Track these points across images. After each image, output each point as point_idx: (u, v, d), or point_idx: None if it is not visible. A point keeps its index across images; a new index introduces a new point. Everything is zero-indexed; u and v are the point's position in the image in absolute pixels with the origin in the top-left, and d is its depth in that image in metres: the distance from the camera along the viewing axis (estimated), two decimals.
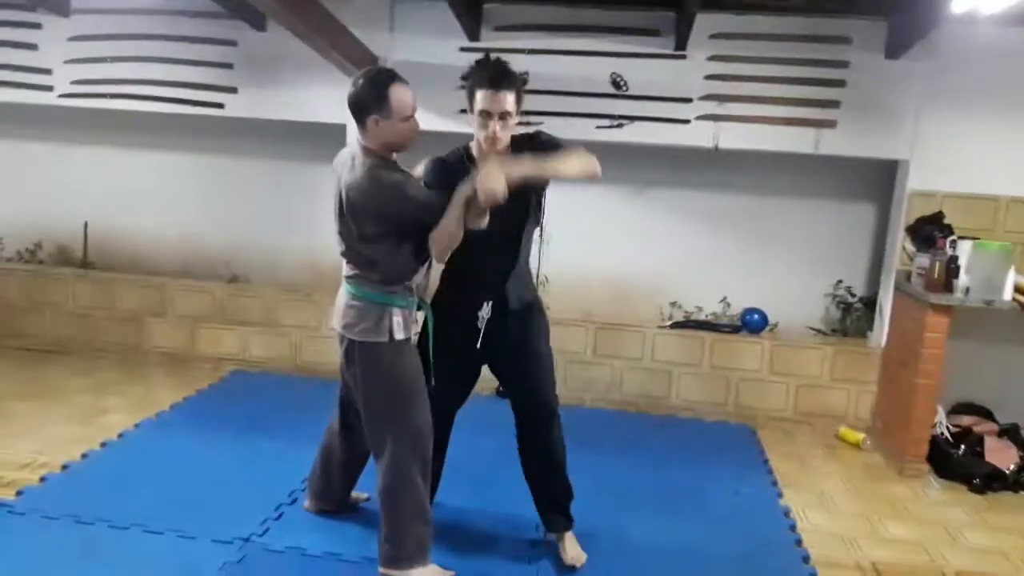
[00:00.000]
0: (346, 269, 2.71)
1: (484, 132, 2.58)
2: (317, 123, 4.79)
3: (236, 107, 4.86)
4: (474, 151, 2.72)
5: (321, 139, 4.90)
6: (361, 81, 2.55)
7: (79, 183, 5.50)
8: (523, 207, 2.74)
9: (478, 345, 2.79)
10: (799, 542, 3.21)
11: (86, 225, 5.49)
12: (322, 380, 4.70)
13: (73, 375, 4.70)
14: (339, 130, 4.67)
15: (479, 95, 2.56)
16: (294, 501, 3.21)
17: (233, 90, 4.85)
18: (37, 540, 2.82)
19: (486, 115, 2.56)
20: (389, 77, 2.56)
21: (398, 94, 2.53)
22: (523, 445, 2.93)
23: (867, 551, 3.21)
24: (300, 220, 5.25)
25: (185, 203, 5.44)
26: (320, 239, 5.19)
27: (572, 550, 2.91)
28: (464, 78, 2.64)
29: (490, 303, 2.78)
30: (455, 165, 2.64)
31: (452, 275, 2.83)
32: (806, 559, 3.07)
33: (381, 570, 2.67)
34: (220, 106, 4.88)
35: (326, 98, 4.68)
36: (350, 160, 2.59)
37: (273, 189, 5.32)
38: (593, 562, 2.89)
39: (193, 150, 5.38)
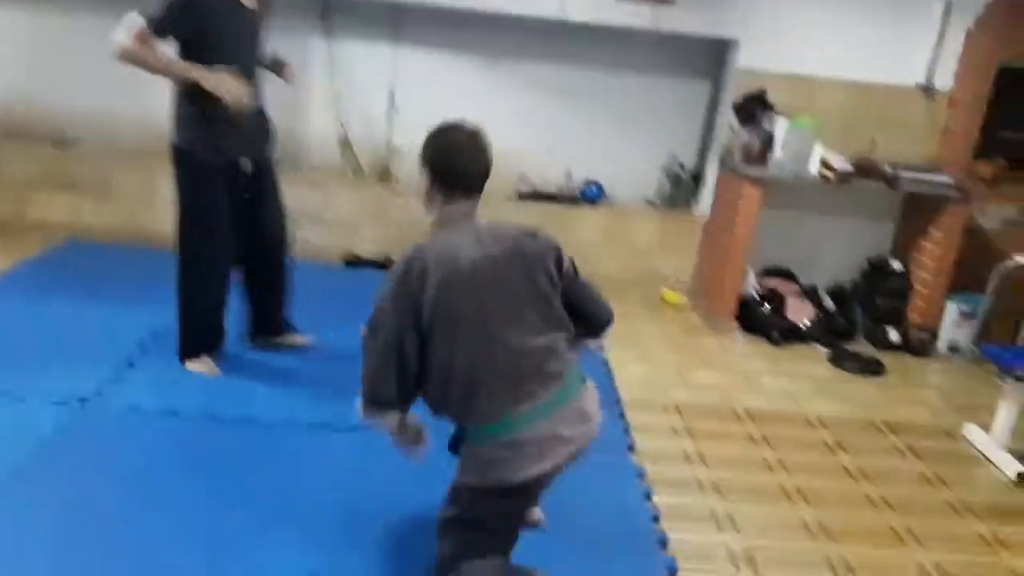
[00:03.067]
0: None
1: None
2: None
3: None
4: None
5: None
6: None
7: None
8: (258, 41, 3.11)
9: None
10: (614, 388, 3.57)
11: None
12: (158, 250, 4.59)
13: None
14: None
15: None
16: (131, 364, 3.24)
17: None
18: None
19: None
20: None
21: None
22: (258, 272, 3.35)
23: (674, 395, 3.62)
24: (131, 77, 4.94)
25: (5, 60, 4.98)
26: (155, 99, 4.94)
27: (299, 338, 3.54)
28: None
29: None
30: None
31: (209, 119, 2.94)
32: (618, 401, 3.43)
33: None
34: None
35: None
36: None
37: (99, 41, 4.93)
38: None
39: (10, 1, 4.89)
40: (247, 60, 3.02)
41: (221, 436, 2.83)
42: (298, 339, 3.55)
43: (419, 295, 1.87)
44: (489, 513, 1.96)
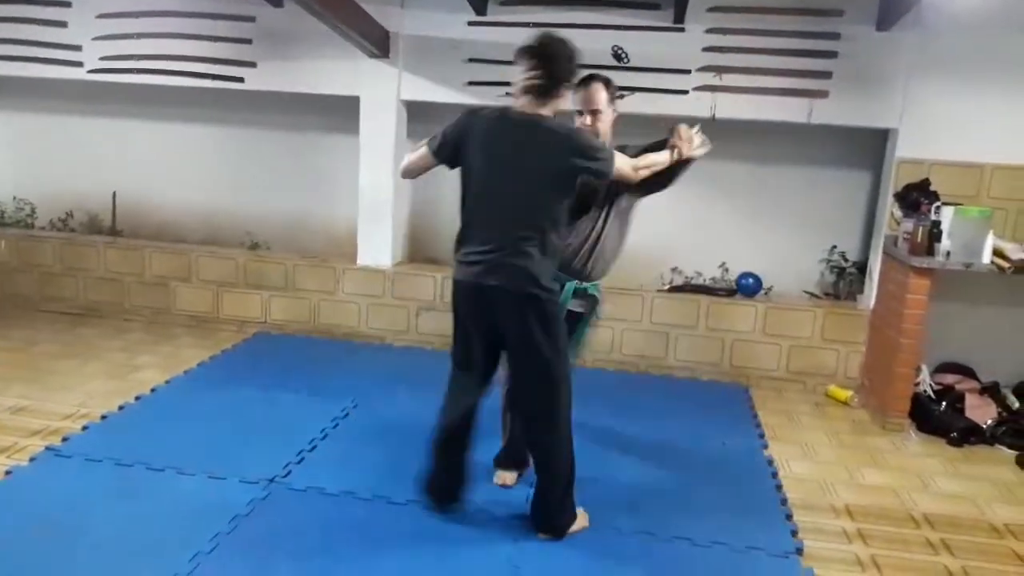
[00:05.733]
0: None
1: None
2: (332, 95, 5.02)
3: (255, 81, 5.10)
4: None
5: (335, 110, 5.16)
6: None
7: (108, 155, 5.78)
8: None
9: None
10: (779, 487, 3.46)
11: (114, 195, 5.77)
12: (337, 341, 5.02)
13: (106, 336, 5.02)
14: (352, 102, 4.91)
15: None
16: (314, 448, 3.50)
17: (252, 64, 5.08)
18: (83, 479, 3.13)
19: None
20: None
21: None
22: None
23: (842, 495, 3.46)
24: (318, 189, 5.52)
25: (208, 173, 5.71)
26: (339, 206, 5.47)
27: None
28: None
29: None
30: None
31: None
32: (784, 501, 3.32)
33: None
34: (240, 80, 5.11)
35: (340, 71, 4.92)
36: None
37: (291, 159, 5.57)
38: (585, 504, 3.15)
39: (215, 122, 5.64)
40: (507, 190, 2.56)
41: (392, 516, 2.99)
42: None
43: None
44: None
